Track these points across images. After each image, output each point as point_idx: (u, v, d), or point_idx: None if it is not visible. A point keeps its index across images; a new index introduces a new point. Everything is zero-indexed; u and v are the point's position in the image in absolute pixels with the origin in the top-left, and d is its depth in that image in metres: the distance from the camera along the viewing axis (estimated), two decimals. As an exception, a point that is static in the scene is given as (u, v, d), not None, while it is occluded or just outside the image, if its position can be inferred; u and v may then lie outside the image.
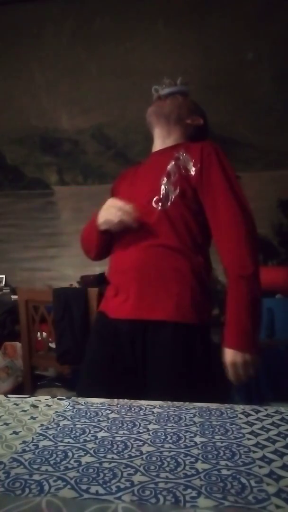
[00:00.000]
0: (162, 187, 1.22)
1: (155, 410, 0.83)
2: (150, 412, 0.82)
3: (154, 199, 1.21)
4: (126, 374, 1.18)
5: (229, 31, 2.88)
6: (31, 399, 0.90)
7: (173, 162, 1.24)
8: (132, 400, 0.89)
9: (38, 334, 2.22)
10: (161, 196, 1.21)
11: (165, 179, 1.23)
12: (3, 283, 3.12)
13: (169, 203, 1.20)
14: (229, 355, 1.11)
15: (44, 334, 2.20)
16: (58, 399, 0.90)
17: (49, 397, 0.92)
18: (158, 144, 1.36)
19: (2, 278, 3.14)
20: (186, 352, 1.16)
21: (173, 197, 1.20)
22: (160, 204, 1.21)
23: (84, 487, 0.54)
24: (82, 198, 3.15)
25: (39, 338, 2.22)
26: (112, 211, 1.20)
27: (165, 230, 1.19)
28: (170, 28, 2.96)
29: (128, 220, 1.18)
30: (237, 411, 0.82)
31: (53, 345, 2.17)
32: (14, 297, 2.78)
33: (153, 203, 1.21)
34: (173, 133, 1.34)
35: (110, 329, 1.22)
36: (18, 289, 2.42)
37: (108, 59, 3.03)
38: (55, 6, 3.12)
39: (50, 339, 2.19)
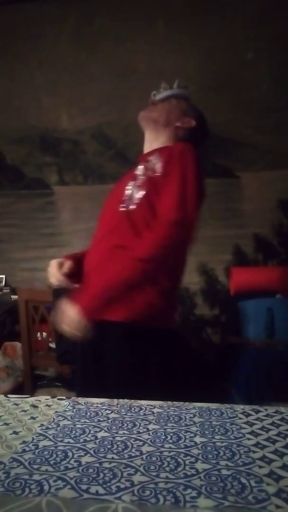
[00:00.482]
0: (128, 189, 1.24)
1: (155, 410, 0.83)
2: (150, 412, 0.82)
3: (120, 201, 1.24)
4: (90, 371, 1.20)
5: (229, 31, 2.88)
6: (31, 399, 0.90)
7: (142, 165, 1.26)
8: (132, 400, 0.89)
9: (38, 334, 2.22)
10: (124, 198, 1.23)
11: (132, 182, 1.25)
12: (3, 283, 3.12)
13: (131, 205, 1.21)
14: (73, 311, 1.11)
15: (44, 334, 2.20)
16: (58, 399, 0.90)
17: (49, 397, 0.92)
18: (146, 147, 1.38)
19: (2, 278, 3.14)
20: (134, 353, 1.15)
21: (136, 198, 1.21)
22: (123, 206, 1.22)
23: (84, 487, 0.54)
24: (82, 198, 3.15)
25: (39, 338, 2.22)
26: (51, 270, 1.30)
27: (124, 231, 1.19)
28: (170, 28, 2.95)
29: (58, 281, 1.28)
30: (237, 411, 0.82)
31: (53, 345, 2.17)
32: (14, 297, 2.78)
33: (119, 206, 1.23)
34: (161, 137, 1.35)
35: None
36: (18, 289, 2.42)
37: (108, 59, 3.03)
38: (55, 6, 3.11)
39: (50, 339, 2.18)
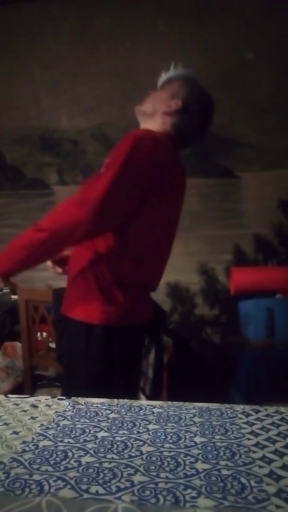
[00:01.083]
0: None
1: (155, 410, 0.83)
2: (150, 412, 0.82)
3: None
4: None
5: (229, 31, 2.88)
6: (31, 399, 0.90)
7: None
8: (132, 400, 0.89)
9: (38, 334, 2.22)
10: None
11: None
12: (3, 283, 3.12)
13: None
14: None
15: (44, 334, 2.20)
16: (58, 399, 0.90)
17: (49, 397, 0.92)
18: None
19: (2, 278, 3.14)
20: (84, 349, 1.19)
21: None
22: None
23: (84, 487, 0.54)
24: (82, 198, 3.14)
25: (39, 338, 2.22)
26: None
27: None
28: (170, 28, 2.95)
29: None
30: (237, 411, 0.82)
31: (53, 345, 2.17)
32: (14, 297, 2.78)
33: None
34: (148, 123, 1.29)
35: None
36: (18, 289, 2.41)
37: (108, 59, 3.03)
38: (55, 6, 3.11)
39: (50, 339, 2.18)
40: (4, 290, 3.03)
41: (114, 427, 0.74)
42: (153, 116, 1.28)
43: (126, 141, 1.13)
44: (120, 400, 0.89)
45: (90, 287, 1.19)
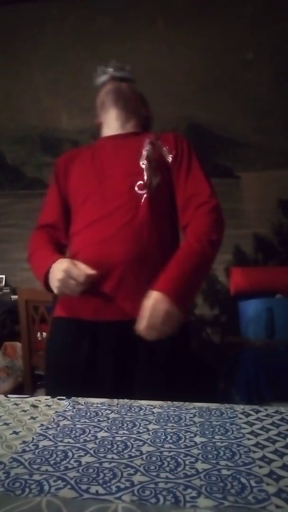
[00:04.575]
0: (145, 171, 1.16)
1: (155, 410, 0.83)
2: (150, 412, 0.82)
3: (138, 184, 1.15)
4: (108, 382, 1.12)
5: (229, 31, 2.88)
6: (31, 399, 0.90)
7: (150, 147, 1.19)
8: (132, 400, 0.89)
9: (38, 334, 2.22)
10: (145, 182, 1.15)
11: (146, 163, 1.16)
12: (3, 283, 3.12)
13: (153, 190, 1.15)
14: (154, 298, 0.99)
15: (44, 334, 2.20)
16: (58, 399, 0.90)
17: (49, 397, 0.92)
18: (115, 127, 1.28)
19: (2, 278, 3.14)
20: (180, 352, 1.15)
21: (156, 183, 1.15)
22: (145, 190, 1.14)
23: (84, 487, 0.54)
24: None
25: (39, 338, 2.22)
26: (69, 283, 1.03)
27: (159, 218, 1.14)
28: (170, 28, 2.95)
29: (85, 287, 1.04)
30: (237, 411, 0.82)
31: (53, 345, 2.17)
32: (14, 297, 2.78)
33: (137, 189, 1.15)
34: (131, 120, 1.29)
35: (84, 333, 1.15)
36: (18, 289, 2.41)
37: (108, 59, 3.03)
38: (55, 6, 3.11)
39: (50, 339, 2.19)
40: (4, 290, 3.03)
41: (114, 427, 0.74)
42: (133, 111, 1.31)
43: (191, 144, 1.25)
44: (120, 400, 0.89)
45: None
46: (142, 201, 1.14)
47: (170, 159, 1.20)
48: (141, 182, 1.15)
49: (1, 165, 3.27)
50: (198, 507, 0.49)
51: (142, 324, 0.99)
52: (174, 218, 1.21)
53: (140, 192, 1.14)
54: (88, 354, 1.12)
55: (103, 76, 1.33)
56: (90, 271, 1.03)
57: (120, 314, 1.09)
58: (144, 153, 1.18)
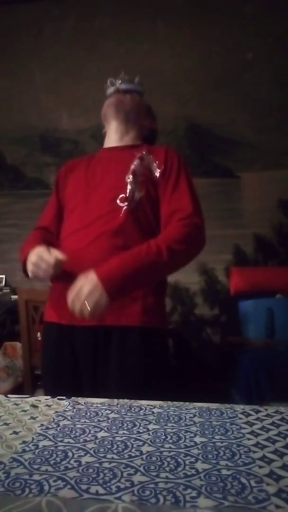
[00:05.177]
0: (128, 185, 1.18)
1: (155, 410, 0.83)
2: (150, 412, 0.82)
3: (120, 197, 1.18)
4: (87, 383, 1.15)
5: (229, 31, 2.88)
6: (31, 399, 0.90)
7: (138, 161, 1.21)
8: (132, 400, 0.89)
9: (38, 334, 2.22)
10: (127, 195, 1.17)
11: (131, 177, 1.19)
12: (3, 283, 3.12)
13: (134, 203, 1.17)
14: (86, 275, 1.02)
15: (44, 334, 2.20)
16: (58, 399, 0.90)
17: (49, 397, 0.92)
18: (115, 139, 1.32)
19: (2, 278, 3.14)
20: (153, 356, 1.15)
21: (138, 197, 1.18)
22: (126, 203, 1.17)
23: (84, 487, 0.54)
24: (82, 198, 3.15)
25: (39, 338, 2.22)
26: (40, 266, 1.09)
27: (132, 231, 1.15)
28: (170, 28, 2.96)
29: (55, 271, 1.08)
30: (237, 411, 0.82)
31: (53, 345, 2.17)
32: (14, 297, 2.78)
33: (118, 201, 1.17)
34: (130, 132, 1.32)
35: (64, 337, 1.17)
36: (18, 289, 2.41)
37: (108, 59, 3.03)
38: (55, 6, 3.12)
39: (50, 339, 2.18)
40: (4, 290, 3.03)
41: (114, 427, 0.74)
42: (135, 123, 1.32)
43: (182, 160, 1.25)
44: (120, 400, 0.89)
45: (156, 292, 1.20)
46: (122, 213, 1.17)
47: (157, 174, 1.21)
48: (123, 195, 1.18)
49: (1, 165, 3.27)
50: (198, 507, 0.49)
51: (69, 295, 1.03)
52: (155, 232, 1.20)
53: (121, 204, 1.17)
54: (67, 357, 1.18)
55: (110, 88, 1.34)
56: (60, 256, 1.08)
57: (90, 320, 1.09)
58: (132, 167, 1.21)
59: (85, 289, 1.00)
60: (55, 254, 1.09)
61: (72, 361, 1.17)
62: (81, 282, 1.02)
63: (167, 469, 0.59)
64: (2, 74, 3.21)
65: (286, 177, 2.83)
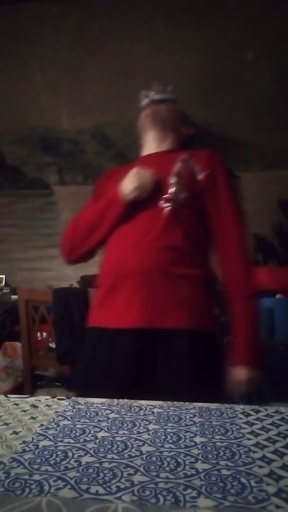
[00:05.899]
0: (171, 187, 1.19)
1: (155, 410, 0.83)
2: (150, 412, 0.82)
3: (163, 197, 1.18)
4: (131, 387, 1.10)
5: (229, 31, 2.88)
6: (31, 399, 0.90)
7: (181, 164, 1.22)
8: (132, 400, 0.89)
9: (38, 334, 2.22)
10: (170, 196, 1.18)
11: (174, 179, 1.20)
12: (3, 283, 3.12)
13: (178, 204, 1.17)
14: (243, 372, 1.14)
15: (44, 334, 2.20)
16: (58, 399, 0.90)
17: (49, 397, 0.92)
18: (153, 146, 1.34)
19: (2, 278, 3.14)
20: (203, 361, 1.14)
21: (182, 198, 1.18)
22: (169, 204, 1.17)
23: (84, 487, 0.54)
24: (82, 198, 3.11)
25: (39, 338, 2.22)
26: (144, 176, 1.18)
27: (176, 232, 1.16)
28: (170, 28, 2.95)
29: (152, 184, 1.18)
30: (237, 411, 0.82)
31: (53, 345, 2.17)
32: (14, 297, 2.78)
33: (162, 203, 1.18)
34: (168, 139, 1.33)
35: (109, 340, 1.15)
36: (18, 289, 2.42)
37: (108, 59, 3.03)
38: (55, 6, 3.11)
39: (50, 339, 2.19)
40: (4, 290, 3.03)
41: (114, 427, 0.74)
42: (172, 130, 1.34)
43: (225, 164, 1.27)
44: (120, 400, 0.89)
45: (205, 294, 1.22)
46: (165, 214, 1.17)
47: (200, 177, 1.21)
48: (166, 196, 1.18)
49: (1, 165, 3.27)
50: (198, 507, 0.49)
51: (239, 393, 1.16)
52: (203, 235, 1.23)
53: (163, 205, 1.18)
54: (111, 361, 1.15)
55: (145, 100, 1.37)
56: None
57: (136, 322, 1.12)
58: (175, 169, 1.21)
59: (245, 382, 1.15)
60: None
61: (117, 365, 1.14)
62: (236, 379, 1.15)
63: (167, 469, 0.59)
64: (2, 74, 3.21)
65: (286, 177, 2.83)
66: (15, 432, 0.72)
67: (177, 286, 1.13)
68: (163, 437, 0.70)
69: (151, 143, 1.35)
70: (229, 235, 1.20)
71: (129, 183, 1.18)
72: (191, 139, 1.44)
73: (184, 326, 1.12)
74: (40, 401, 0.89)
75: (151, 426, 0.75)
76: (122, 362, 1.14)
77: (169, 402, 0.87)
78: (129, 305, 1.13)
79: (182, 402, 0.87)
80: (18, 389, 2.34)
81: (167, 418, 0.79)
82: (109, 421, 0.77)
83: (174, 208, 1.17)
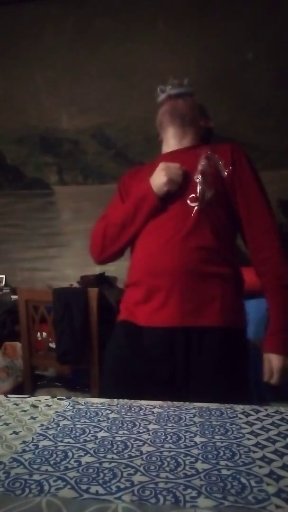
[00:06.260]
0: (198, 185, 1.18)
1: (155, 410, 0.83)
2: (150, 412, 0.82)
3: (190, 197, 1.18)
4: (163, 385, 1.12)
5: (229, 31, 2.88)
6: (31, 399, 0.90)
7: (206, 161, 1.22)
8: (132, 400, 0.89)
9: (38, 334, 2.22)
10: (197, 195, 1.17)
11: (200, 177, 1.19)
12: (3, 283, 3.12)
13: (205, 203, 1.17)
14: (279, 360, 1.15)
15: (44, 334, 2.20)
16: (58, 399, 0.90)
17: (49, 397, 0.92)
18: (174, 144, 1.32)
19: (2, 278, 3.14)
20: (234, 357, 1.16)
21: (209, 196, 1.17)
22: (197, 203, 1.17)
23: (84, 487, 0.54)
24: (82, 198, 3.15)
25: (39, 338, 2.22)
26: (174, 170, 1.19)
27: (205, 231, 1.16)
28: (170, 28, 2.95)
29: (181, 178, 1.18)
30: (237, 411, 0.82)
31: (53, 345, 2.17)
32: (14, 297, 2.78)
33: (189, 202, 1.18)
34: (188, 134, 1.32)
35: (141, 338, 1.15)
36: (18, 289, 2.41)
37: (108, 59, 3.03)
38: (55, 6, 3.11)
39: (50, 339, 2.19)
40: (4, 290, 3.03)
41: (114, 427, 0.74)
42: (191, 125, 1.33)
43: (249, 157, 1.28)
44: (120, 400, 0.89)
45: (235, 292, 1.24)
46: (193, 213, 1.17)
47: (225, 173, 1.21)
48: (193, 195, 1.18)
49: (1, 165, 3.27)
50: (198, 507, 0.49)
51: (271, 381, 1.19)
52: (231, 231, 1.24)
53: (191, 204, 1.18)
54: (141, 359, 1.15)
55: (161, 95, 1.34)
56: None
57: (169, 321, 1.13)
58: (199, 167, 1.21)
59: (281, 370, 1.15)
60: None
61: (150, 363, 1.14)
62: (272, 367, 1.18)
63: (167, 469, 0.59)
64: (2, 74, 3.21)
65: (286, 177, 2.82)
66: (15, 432, 0.72)
67: (208, 284, 1.14)
68: (163, 437, 0.70)
69: (172, 140, 1.33)
70: (263, 226, 1.20)
71: (160, 177, 1.18)
72: (210, 132, 1.42)
73: (216, 324, 1.13)
74: (40, 401, 0.89)
75: (151, 426, 0.75)
76: (155, 359, 1.14)
77: (169, 402, 0.88)
78: (163, 305, 1.13)
79: (182, 402, 0.87)
80: (18, 389, 2.34)
81: (167, 418, 0.79)
82: (109, 421, 0.78)
83: (202, 207, 1.17)
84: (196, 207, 1.17)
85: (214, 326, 1.12)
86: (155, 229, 1.20)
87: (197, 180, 1.19)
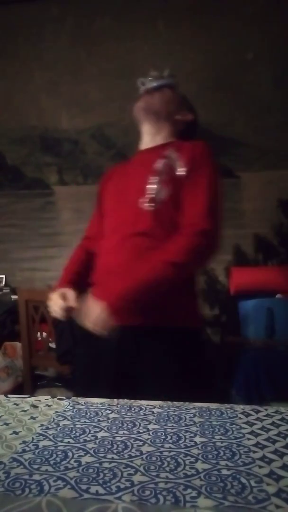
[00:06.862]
0: (151, 186, 1.17)
1: (155, 410, 0.83)
2: (150, 412, 0.82)
3: (144, 197, 1.17)
4: (114, 384, 1.12)
5: (229, 31, 2.87)
6: (31, 399, 0.90)
7: (162, 161, 1.20)
8: (132, 400, 0.89)
9: (38, 334, 2.22)
10: (148, 195, 1.17)
11: (154, 178, 1.18)
12: (3, 283, 3.12)
13: (159, 204, 1.16)
14: (92, 302, 1.06)
15: (44, 334, 2.20)
16: (58, 399, 0.90)
17: (49, 397, 0.92)
18: (147, 141, 1.32)
19: (2, 278, 3.14)
20: (186, 356, 1.13)
21: (162, 196, 1.16)
22: (150, 204, 1.16)
23: (84, 487, 0.54)
24: (82, 198, 3.15)
25: (39, 338, 2.22)
26: (54, 308, 1.19)
27: (157, 232, 1.15)
28: (170, 28, 2.95)
29: (67, 315, 1.16)
30: (237, 411, 0.82)
31: (53, 345, 2.17)
32: (14, 297, 2.78)
33: (143, 203, 1.17)
34: (162, 130, 1.30)
35: (94, 338, 1.13)
36: (18, 289, 2.41)
37: (108, 59, 3.03)
38: (55, 6, 3.11)
39: (50, 339, 2.19)
40: (4, 290, 3.03)
41: (114, 427, 0.74)
42: (166, 120, 1.30)
43: (211, 157, 1.21)
44: (120, 400, 0.89)
45: (185, 292, 1.20)
46: (146, 214, 1.16)
47: (182, 172, 1.18)
48: (147, 196, 1.18)
49: (1, 165, 3.27)
50: (198, 507, 0.49)
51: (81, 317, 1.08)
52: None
53: (145, 205, 1.17)
54: (95, 359, 1.18)
55: (141, 88, 1.34)
56: (71, 303, 1.14)
57: (119, 320, 1.10)
58: (155, 167, 1.20)
59: (92, 315, 1.04)
60: (67, 302, 1.14)
61: (102, 363, 1.15)
62: (86, 307, 1.06)
63: (167, 469, 0.59)
64: (2, 74, 3.21)
65: (286, 177, 2.82)
66: (15, 432, 0.72)
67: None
68: (163, 437, 0.70)
69: (146, 136, 1.32)
70: (193, 225, 1.12)
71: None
72: (194, 125, 1.38)
73: (164, 324, 1.12)
74: (40, 401, 0.89)
75: (151, 426, 0.75)
76: (106, 359, 1.14)
77: (169, 402, 0.88)
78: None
79: (182, 402, 0.87)
80: (18, 389, 2.34)
81: (167, 418, 0.79)
82: (109, 421, 0.78)
83: (155, 208, 1.16)
84: (149, 208, 1.16)
85: (166, 326, 1.12)
86: (111, 231, 1.23)
87: (151, 181, 1.18)
